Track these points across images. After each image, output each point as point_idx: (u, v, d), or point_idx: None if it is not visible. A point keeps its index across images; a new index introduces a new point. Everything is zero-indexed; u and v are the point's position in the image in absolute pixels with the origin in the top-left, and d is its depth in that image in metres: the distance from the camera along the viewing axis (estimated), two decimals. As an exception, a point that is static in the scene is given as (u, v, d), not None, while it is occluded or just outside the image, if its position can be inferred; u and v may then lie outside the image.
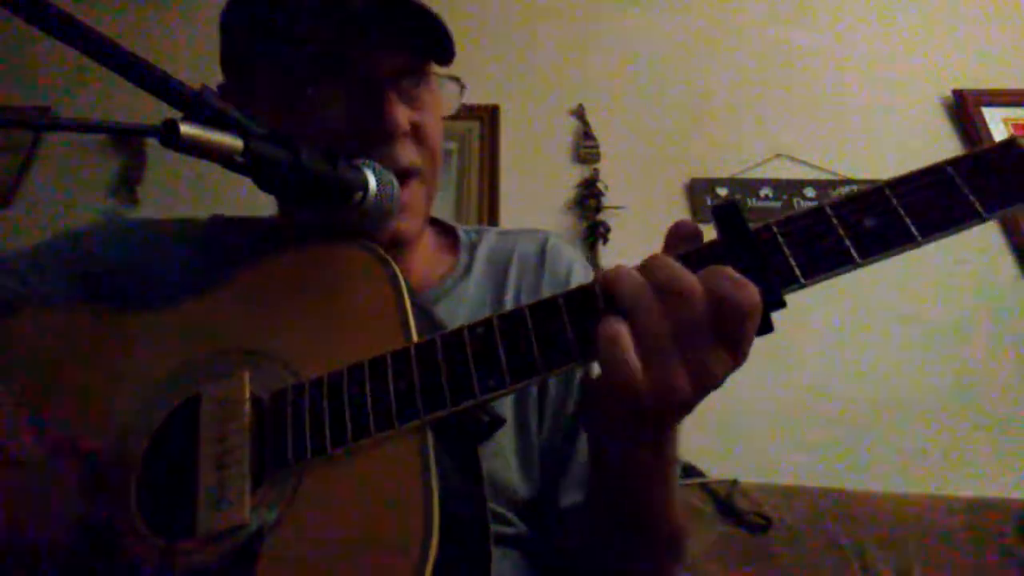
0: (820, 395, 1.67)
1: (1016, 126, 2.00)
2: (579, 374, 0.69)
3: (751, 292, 0.40)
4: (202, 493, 0.49)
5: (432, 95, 0.69)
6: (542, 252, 0.80)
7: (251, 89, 0.69)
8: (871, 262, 0.41)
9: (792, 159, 2.01)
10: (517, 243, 0.81)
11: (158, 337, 0.61)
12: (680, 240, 0.46)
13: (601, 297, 0.44)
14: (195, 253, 0.75)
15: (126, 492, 0.52)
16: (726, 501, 1.32)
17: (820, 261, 0.42)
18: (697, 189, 1.97)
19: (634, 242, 1.87)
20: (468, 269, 0.78)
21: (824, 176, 1.98)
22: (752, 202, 1.95)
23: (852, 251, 0.41)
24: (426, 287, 0.76)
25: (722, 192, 1.96)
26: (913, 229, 0.41)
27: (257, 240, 0.77)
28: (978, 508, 1.31)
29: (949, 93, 2.09)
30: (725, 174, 1.99)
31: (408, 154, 0.65)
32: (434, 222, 0.84)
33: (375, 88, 0.63)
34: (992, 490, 1.43)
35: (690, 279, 0.41)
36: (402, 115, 0.63)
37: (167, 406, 0.55)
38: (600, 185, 1.94)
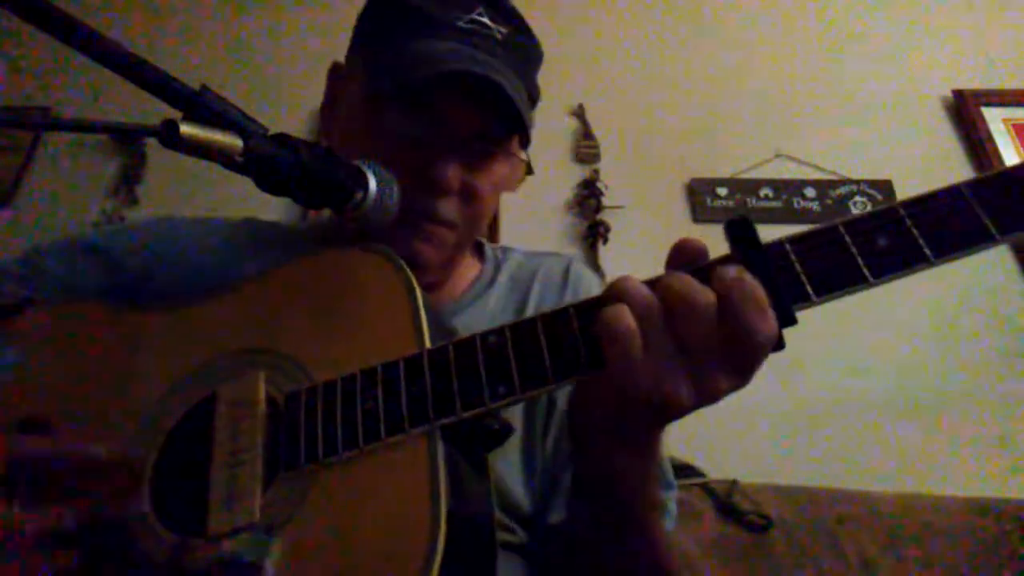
0: (820, 395, 1.67)
1: (1016, 126, 2.00)
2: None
3: (771, 324, 0.40)
4: (214, 491, 0.49)
5: (499, 166, 0.70)
6: (565, 274, 0.81)
7: (354, 74, 0.70)
8: (884, 281, 0.42)
9: (792, 159, 2.01)
10: (542, 264, 0.83)
11: (175, 337, 0.62)
12: (685, 258, 0.45)
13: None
14: (227, 249, 0.76)
15: (140, 488, 0.53)
16: (726, 501, 1.32)
17: (833, 279, 0.42)
18: (697, 189, 1.97)
19: (634, 242, 1.88)
20: (491, 282, 0.80)
21: (824, 176, 1.97)
22: (752, 202, 1.95)
23: (864, 270, 0.42)
24: (448, 297, 0.76)
25: (722, 192, 1.96)
26: (927, 250, 0.41)
27: (280, 243, 0.78)
28: (978, 508, 1.30)
29: (949, 93, 2.09)
30: (725, 174, 1.99)
31: (449, 210, 0.67)
32: None
33: (442, 141, 0.64)
34: (992, 490, 1.43)
35: (706, 297, 0.40)
36: (453, 174, 0.64)
37: (183, 404, 0.56)
38: (600, 185, 1.94)
